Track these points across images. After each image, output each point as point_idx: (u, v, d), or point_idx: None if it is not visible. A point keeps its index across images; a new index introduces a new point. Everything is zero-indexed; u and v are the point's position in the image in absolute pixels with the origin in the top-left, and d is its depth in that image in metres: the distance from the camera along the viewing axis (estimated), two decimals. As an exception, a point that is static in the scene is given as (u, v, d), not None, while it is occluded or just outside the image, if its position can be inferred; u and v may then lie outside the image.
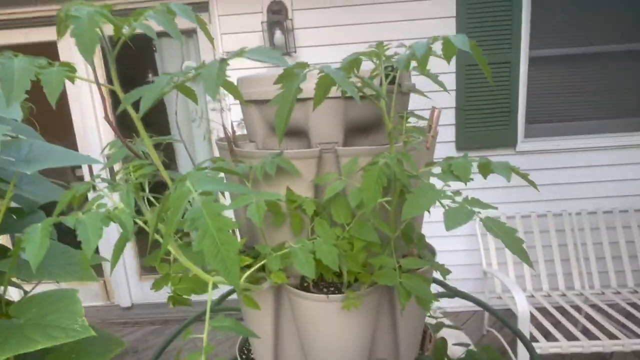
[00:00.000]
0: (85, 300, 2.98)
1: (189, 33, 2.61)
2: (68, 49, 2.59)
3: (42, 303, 0.66)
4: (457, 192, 0.45)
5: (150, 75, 2.79)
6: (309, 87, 0.70)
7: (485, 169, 0.50)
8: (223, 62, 0.41)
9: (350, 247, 0.57)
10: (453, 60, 2.48)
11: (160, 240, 0.52)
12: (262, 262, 0.57)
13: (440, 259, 0.78)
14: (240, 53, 0.41)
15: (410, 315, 0.78)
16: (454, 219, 0.39)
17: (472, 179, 0.49)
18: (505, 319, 1.12)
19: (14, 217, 0.91)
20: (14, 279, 0.99)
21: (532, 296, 2.39)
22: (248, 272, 0.56)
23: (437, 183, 0.51)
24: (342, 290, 0.71)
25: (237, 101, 0.92)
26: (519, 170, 0.49)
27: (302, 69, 0.39)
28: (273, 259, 0.54)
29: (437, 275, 0.87)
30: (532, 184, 0.49)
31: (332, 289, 0.75)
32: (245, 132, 0.89)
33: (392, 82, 0.62)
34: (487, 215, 0.44)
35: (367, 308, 0.71)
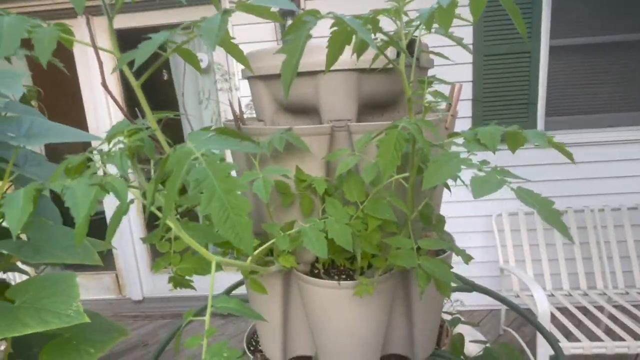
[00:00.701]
0: (98, 293, 3.00)
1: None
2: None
3: (40, 286, 0.63)
4: (484, 161, 0.40)
5: (163, 71, 2.79)
6: (319, 59, 0.66)
7: (515, 139, 0.45)
8: (226, 12, 0.37)
9: (365, 226, 0.53)
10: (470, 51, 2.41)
11: (160, 215, 0.49)
12: (271, 242, 0.53)
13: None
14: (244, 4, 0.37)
15: (426, 306, 0.74)
16: (481, 187, 0.34)
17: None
18: (526, 313, 1.06)
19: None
20: (19, 265, 0.97)
21: (552, 295, 2.30)
22: (255, 252, 0.52)
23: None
24: (355, 278, 0.67)
25: (246, 80, 0.88)
26: (552, 139, 0.44)
27: (314, 17, 0.35)
28: (281, 238, 0.50)
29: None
30: (568, 155, 0.44)
31: (344, 276, 0.71)
32: (254, 114, 0.86)
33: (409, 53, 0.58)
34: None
35: (380, 296, 0.66)
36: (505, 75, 2.40)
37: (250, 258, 0.52)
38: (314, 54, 0.66)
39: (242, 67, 0.71)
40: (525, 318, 1.06)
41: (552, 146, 0.44)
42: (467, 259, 0.60)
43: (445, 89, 0.69)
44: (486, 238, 2.63)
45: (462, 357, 1.06)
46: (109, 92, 0.47)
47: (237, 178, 0.34)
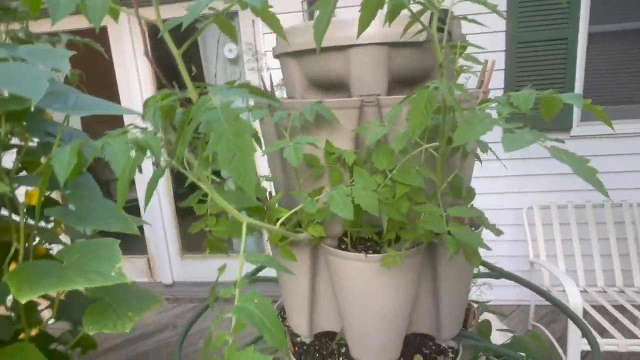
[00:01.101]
0: (131, 276, 3.13)
1: (230, 15, 2.64)
2: (119, 34, 2.70)
3: (84, 250, 0.68)
4: (516, 123, 0.40)
5: (192, 66, 2.87)
6: (349, 34, 0.67)
7: (550, 104, 0.44)
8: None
9: (392, 194, 0.54)
10: (503, 37, 2.34)
11: (198, 182, 0.51)
12: (299, 207, 0.54)
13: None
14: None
15: (454, 283, 0.73)
16: (513, 142, 0.34)
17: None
18: (557, 301, 1.04)
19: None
20: (62, 238, 1.03)
21: (585, 291, 2.22)
22: (284, 217, 0.53)
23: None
24: (382, 252, 0.67)
25: (275, 61, 0.90)
26: (588, 102, 0.43)
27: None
28: (309, 202, 0.51)
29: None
30: (606, 120, 0.43)
31: (371, 252, 0.71)
32: (284, 95, 0.87)
33: (439, 29, 0.57)
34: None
35: (407, 271, 0.67)
36: (540, 63, 2.31)
37: (279, 222, 0.54)
38: (344, 29, 0.67)
39: (272, 46, 0.72)
40: (556, 306, 1.04)
41: (589, 110, 0.43)
42: (497, 232, 0.59)
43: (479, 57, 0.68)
44: (516, 231, 2.56)
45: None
46: (151, 61, 0.49)
47: (247, 121, 0.36)
